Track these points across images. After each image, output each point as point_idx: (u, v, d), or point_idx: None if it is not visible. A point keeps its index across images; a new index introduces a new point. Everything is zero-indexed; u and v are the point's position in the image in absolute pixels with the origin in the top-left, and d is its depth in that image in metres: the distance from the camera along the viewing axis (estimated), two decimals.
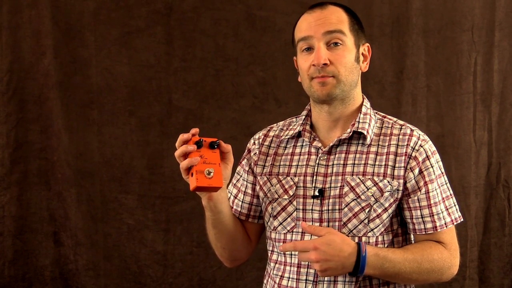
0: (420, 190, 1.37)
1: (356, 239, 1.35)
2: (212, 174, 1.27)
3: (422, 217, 1.38)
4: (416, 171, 1.37)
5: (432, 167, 1.38)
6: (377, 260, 1.30)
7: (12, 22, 2.61)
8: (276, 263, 1.46)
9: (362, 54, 1.45)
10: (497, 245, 2.64)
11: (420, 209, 1.37)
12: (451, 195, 1.42)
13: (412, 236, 1.44)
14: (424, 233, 1.39)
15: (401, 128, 1.42)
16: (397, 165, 1.37)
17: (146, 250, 2.67)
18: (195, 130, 1.31)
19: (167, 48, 2.66)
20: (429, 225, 1.38)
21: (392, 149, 1.39)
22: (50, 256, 2.66)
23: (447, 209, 1.40)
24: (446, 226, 1.39)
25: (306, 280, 1.38)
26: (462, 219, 1.43)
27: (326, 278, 1.36)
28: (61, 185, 2.64)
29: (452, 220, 1.40)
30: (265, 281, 1.52)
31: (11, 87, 2.61)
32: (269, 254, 1.50)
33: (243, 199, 1.53)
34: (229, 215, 1.45)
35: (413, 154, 1.38)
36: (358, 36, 1.42)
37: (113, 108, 2.66)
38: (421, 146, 1.39)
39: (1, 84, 2.60)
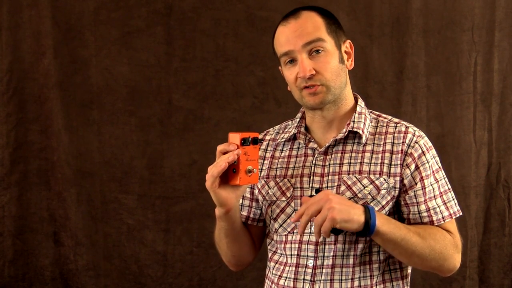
0: (416, 185, 1.37)
1: (354, 237, 1.35)
2: (252, 172, 1.29)
3: (419, 213, 1.38)
4: (412, 167, 1.37)
5: (428, 162, 1.38)
6: (381, 216, 1.29)
7: (12, 22, 2.61)
8: (276, 263, 1.46)
9: (345, 52, 1.44)
10: (497, 245, 2.64)
11: (417, 205, 1.37)
12: (449, 189, 1.42)
13: None
14: None
15: (396, 126, 1.43)
16: (393, 162, 1.38)
17: (146, 250, 2.68)
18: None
19: (167, 48, 2.66)
20: (425, 220, 1.37)
21: (388, 147, 1.39)
22: (50, 256, 2.66)
23: (444, 203, 1.39)
24: (444, 220, 1.38)
25: (303, 279, 1.38)
26: (461, 213, 1.42)
27: (323, 277, 1.36)
28: (61, 185, 2.64)
29: (450, 214, 1.40)
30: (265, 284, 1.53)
31: (11, 87, 2.61)
32: (269, 255, 1.50)
33: (242, 203, 1.53)
34: (240, 222, 1.46)
35: (409, 151, 1.38)
36: (338, 36, 1.42)
37: (113, 108, 2.66)
38: (416, 142, 1.39)
39: (1, 84, 2.60)
